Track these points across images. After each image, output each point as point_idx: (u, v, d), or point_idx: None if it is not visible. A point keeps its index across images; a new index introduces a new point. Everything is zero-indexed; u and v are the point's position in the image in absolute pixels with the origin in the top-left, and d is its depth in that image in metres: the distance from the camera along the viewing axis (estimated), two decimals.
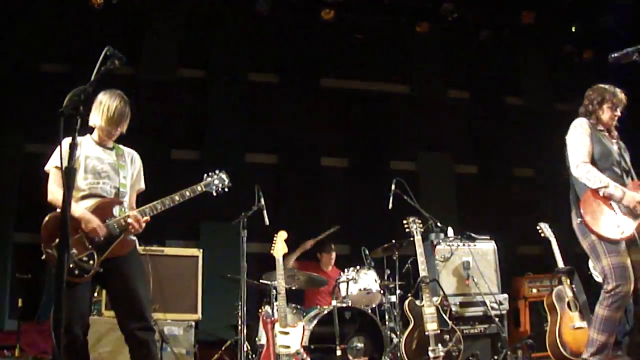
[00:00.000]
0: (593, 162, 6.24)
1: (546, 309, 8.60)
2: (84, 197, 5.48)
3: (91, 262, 5.27)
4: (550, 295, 8.55)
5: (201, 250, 8.67)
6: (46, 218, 5.31)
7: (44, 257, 5.20)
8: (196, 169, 10.54)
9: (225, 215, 8.07)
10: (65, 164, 3.89)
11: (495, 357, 8.73)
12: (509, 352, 8.63)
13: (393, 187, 8.94)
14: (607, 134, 6.52)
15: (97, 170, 5.57)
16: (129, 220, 5.44)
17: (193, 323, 8.19)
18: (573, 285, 8.59)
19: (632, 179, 6.42)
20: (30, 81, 11.14)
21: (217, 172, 6.09)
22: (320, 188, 12.32)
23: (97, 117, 5.62)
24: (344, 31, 12.73)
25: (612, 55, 5.40)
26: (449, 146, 13.11)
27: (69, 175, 3.88)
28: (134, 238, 5.67)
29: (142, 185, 6.00)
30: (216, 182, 6.02)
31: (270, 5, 11.87)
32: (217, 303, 9.45)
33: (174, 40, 11.98)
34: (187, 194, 5.75)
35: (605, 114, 6.50)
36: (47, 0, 11.35)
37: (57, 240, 5.08)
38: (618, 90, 6.54)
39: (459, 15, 12.44)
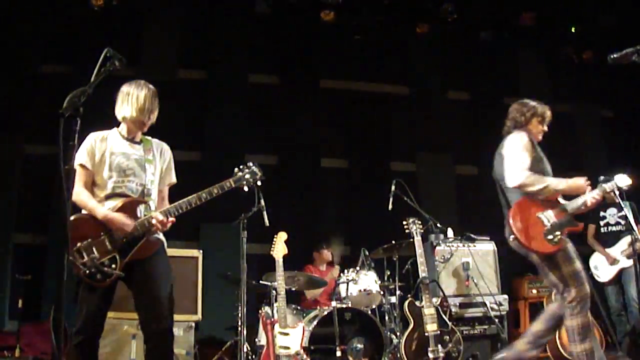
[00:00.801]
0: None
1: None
2: (108, 197, 5.37)
3: (113, 265, 5.17)
4: (550, 296, 8.55)
5: (201, 251, 8.67)
6: (70, 219, 5.09)
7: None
8: (196, 170, 10.63)
9: (225, 216, 8.07)
10: (64, 165, 3.88)
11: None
12: None
13: (393, 188, 8.95)
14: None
15: (123, 167, 5.44)
16: (153, 221, 5.31)
17: (193, 324, 8.19)
18: None
19: None
20: (30, 82, 11.16)
21: (249, 164, 5.83)
22: (320, 189, 12.32)
23: (127, 109, 5.50)
24: (343, 32, 12.74)
25: (612, 56, 5.39)
26: (448, 147, 13.11)
27: (67, 176, 3.87)
28: (162, 238, 5.57)
29: (174, 179, 5.85)
30: (247, 176, 5.77)
31: (270, 7, 11.89)
32: (217, 304, 9.46)
33: (174, 41, 12.00)
34: (215, 191, 5.55)
35: (535, 128, 6.63)
36: (47, 1, 11.35)
37: (78, 244, 5.09)
38: (547, 107, 6.73)
39: (459, 16, 12.46)
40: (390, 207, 8.88)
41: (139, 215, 5.39)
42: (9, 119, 10.91)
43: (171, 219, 5.41)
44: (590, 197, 6.23)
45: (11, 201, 10.87)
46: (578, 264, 5.99)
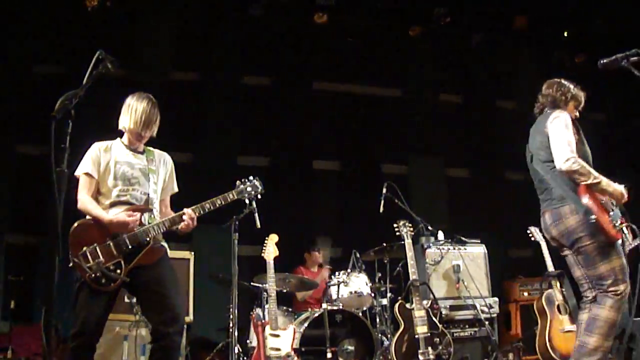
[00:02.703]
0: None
1: (536, 312, 8.65)
2: (113, 205, 5.46)
3: (118, 271, 5.25)
4: (540, 298, 8.60)
5: (192, 253, 8.68)
6: (75, 225, 5.30)
7: (71, 264, 5.17)
8: (188, 172, 10.64)
9: (217, 218, 8.08)
10: (56, 167, 3.91)
11: None
12: (499, 355, 8.67)
13: (384, 190, 8.97)
14: None
15: (127, 176, 5.56)
16: (184, 217, 5.54)
17: (185, 325, 8.20)
18: (563, 289, 8.64)
19: None
20: (23, 82, 11.13)
21: (250, 178, 6.10)
22: (312, 191, 12.34)
23: (126, 120, 5.65)
24: (336, 35, 12.73)
25: (601, 62, 5.39)
26: (440, 150, 13.14)
27: (60, 179, 3.90)
28: (165, 245, 5.69)
29: (176, 188, 6.04)
30: (249, 189, 6.04)
31: (264, 9, 11.89)
32: (209, 305, 9.47)
33: (168, 43, 11.99)
34: (219, 202, 5.79)
35: (571, 112, 6.25)
36: (41, 1, 11.33)
37: (84, 248, 5.17)
38: (584, 93, 6.52)
39: (452, 19, 12.48)
40: (381, 209, 8.90)
41: (143, 222, 5.50)
42: (1, 119, 10.90)
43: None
44: None
45: (3, 201, 10.87)
46: (625, 260, 5.70)
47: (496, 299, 9.25)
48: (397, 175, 12.21)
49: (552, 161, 5.90)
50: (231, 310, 7.83)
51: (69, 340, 5.12)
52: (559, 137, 5.88)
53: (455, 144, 13.21)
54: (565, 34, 13.23)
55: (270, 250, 7.93)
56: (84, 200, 5.36)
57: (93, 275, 5.12)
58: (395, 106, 13.19)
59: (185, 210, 5.57)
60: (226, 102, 12.09)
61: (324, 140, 12.70)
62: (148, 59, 11.77)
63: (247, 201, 6.08)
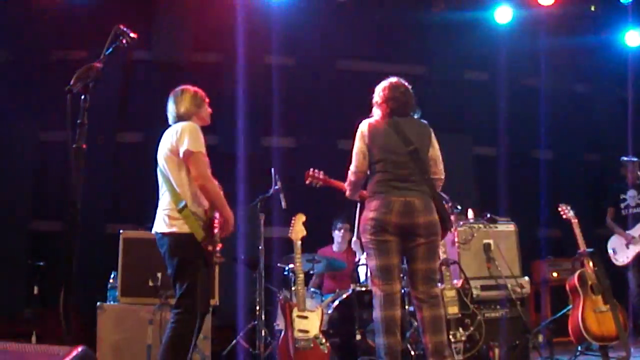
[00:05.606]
0: None
1: (568, 292, 8.51)
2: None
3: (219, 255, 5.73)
4: (572, 278, 8.45)
5: None
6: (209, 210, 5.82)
7: (210, 248, 5.65)
8: (213, 154, 10.55)
9: (243, 199, 8.01)
10: (73, 144, 3.83)
11: (517, 342, 8.61)
12: (530, 336, 8.55)
13: None
14: None
15: None
16: None
17: (210, 308, 8.14)
18: (596, 269, 8.47)
19: None
20: (43, 68, 11.08)
21: None
22: (338, 170, 12.24)
23: (202, 110, 6.25)
24: (360, 12, 12.58)
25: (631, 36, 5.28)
26: (467, 128, 12.98)
27: (78, 156, 3.79)
28: None
29: None
30: None
31: None
32: (235, 288, 9.41)
33: (188, 24, 11.87)
34: None
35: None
36: None
37: (215, 233, 5.79)
38: None
39: None
40: None
41: None
42: (23, 106, 10.86)
43: None
44: None
45: (26, 189, 10.86)
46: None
47: (527, 278, 9.11)
48: None
49: (430, 165, 7.01)
50: (257, 292, 7.78)
51: (197, 319, 5.54)
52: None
53: (482, 121, 13.03)
54: (593, 9, 13.00)
55: (297, 230, 7.83)
56: (214, 183, 5.80)
57: (219, 260, 5.70)
58: (420, 84, 13.02)
59: None
60: (250, 83, 11.96)
61: (349, 120, 12.58)
62: (168, 40, 11.64)
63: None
